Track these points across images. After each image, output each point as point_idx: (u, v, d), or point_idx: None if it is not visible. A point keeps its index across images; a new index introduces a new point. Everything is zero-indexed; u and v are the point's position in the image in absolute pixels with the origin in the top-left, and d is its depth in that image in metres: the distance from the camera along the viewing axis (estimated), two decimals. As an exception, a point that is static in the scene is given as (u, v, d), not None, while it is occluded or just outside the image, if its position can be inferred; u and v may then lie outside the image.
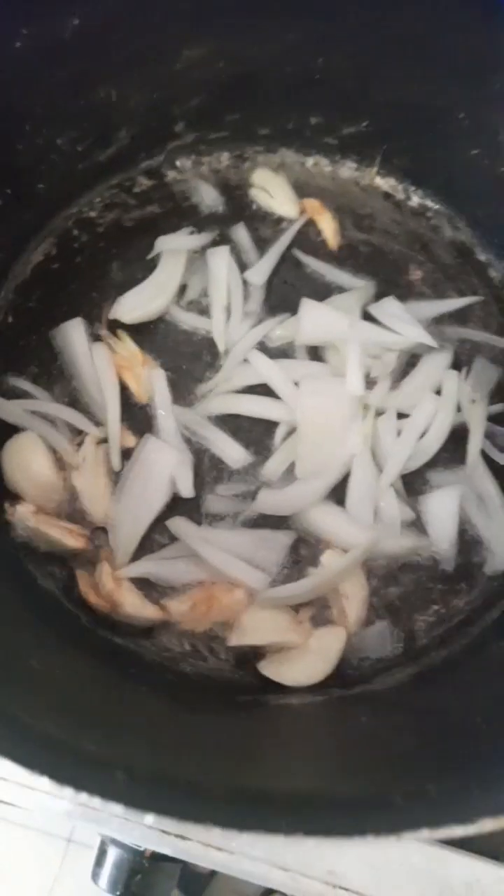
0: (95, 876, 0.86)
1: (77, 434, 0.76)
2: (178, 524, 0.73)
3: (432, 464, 0.77)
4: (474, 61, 0.72)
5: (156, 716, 0.61)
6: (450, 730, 0.57)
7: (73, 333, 0.79)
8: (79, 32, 0.70)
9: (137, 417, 0.78)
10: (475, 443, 0.76)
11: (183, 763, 0.45)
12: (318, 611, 0.73)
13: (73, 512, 0.74)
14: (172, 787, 0.39)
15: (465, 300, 0.85)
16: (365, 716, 0.64)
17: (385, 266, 0.87)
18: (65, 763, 0.39)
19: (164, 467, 0.74)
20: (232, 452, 0.77)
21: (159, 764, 0.43)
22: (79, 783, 0.36)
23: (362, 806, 0.39)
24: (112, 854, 0.85)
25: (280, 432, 0.78)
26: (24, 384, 0.78)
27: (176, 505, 0.75)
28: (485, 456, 0.77)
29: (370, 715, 0.64)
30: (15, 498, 0.73)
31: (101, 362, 0.78)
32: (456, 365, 0.81)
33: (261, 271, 0.84)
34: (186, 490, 0.75)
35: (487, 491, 0.76)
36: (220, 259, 0.83)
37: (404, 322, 0.81)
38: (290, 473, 0.76)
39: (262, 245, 0.86)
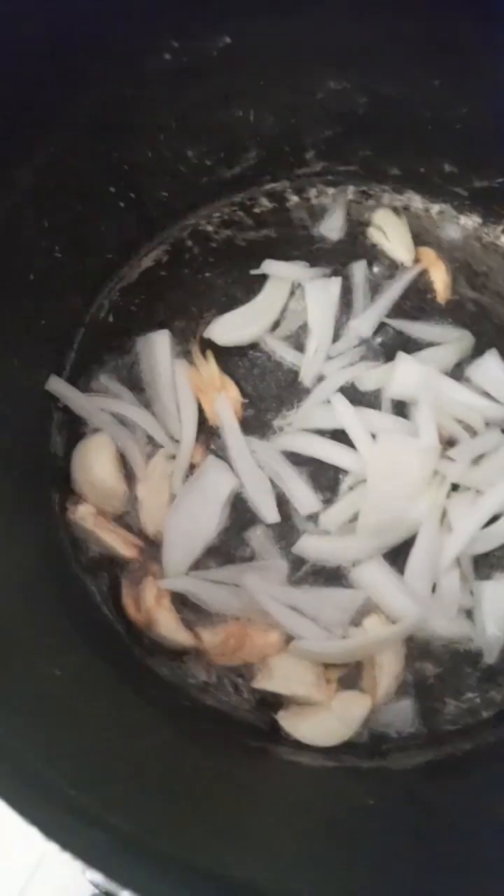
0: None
1: (150, 445, 0.76)
2: (250, 581, 0.70)
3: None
4: None
5: (162, 746, 0.60)
6: (457, 839, 0.55)
7: (158, 345, 0.78)
8: (226, 51, 0.70)
9: (210, 439, 0.77)
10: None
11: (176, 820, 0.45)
12: (348, 672, 0.71)
13: (131, 522, 0.74)
14: (151, 859, 0.38)
15: None
16: (373, 798, 0.61)
17: (490, 329, 0.83)
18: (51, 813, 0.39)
19: (222, 490, 0.73)
20: (303, 497, 0.74)
21: (148, 824, 0.42)
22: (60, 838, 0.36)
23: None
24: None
25: (347, 482, 0.76)
26: (114, 385, 0.78)
27: (228, 532, 0.74)
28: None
29: (378, 797, 0.62)
30: (79, 498, 0.74)
31: (181, 380, 0.77)
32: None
33: (368, 321, 0.81)
34: (272, 516, 0.73)
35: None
36: (327, 293, 0.81)
37: (502, 388, 0.77)
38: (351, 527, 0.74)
39: (371, 287, 0.84)
